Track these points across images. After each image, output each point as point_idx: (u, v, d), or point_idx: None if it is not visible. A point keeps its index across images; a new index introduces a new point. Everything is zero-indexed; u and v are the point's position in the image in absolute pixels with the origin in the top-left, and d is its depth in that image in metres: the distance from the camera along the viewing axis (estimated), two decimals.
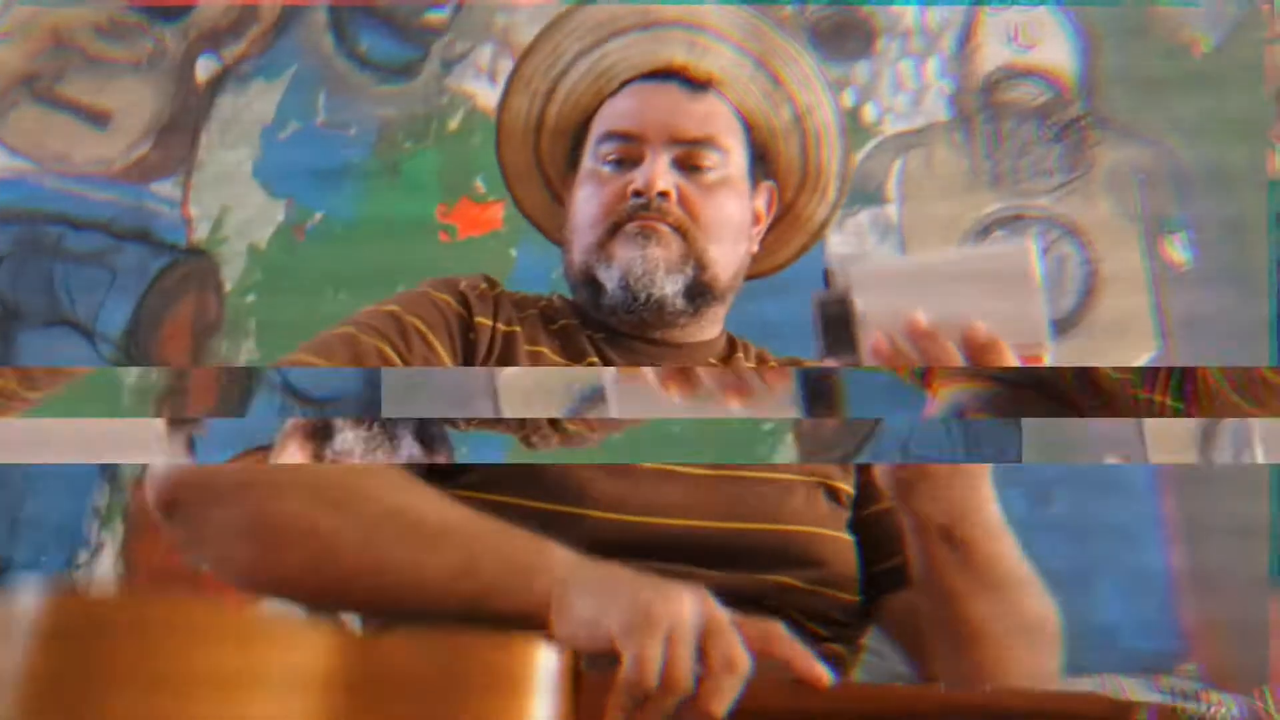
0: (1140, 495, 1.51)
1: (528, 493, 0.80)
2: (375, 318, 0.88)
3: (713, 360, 1.00)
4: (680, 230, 0.94)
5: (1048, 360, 0.69)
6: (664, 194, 0.93)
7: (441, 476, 0.80)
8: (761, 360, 1.04)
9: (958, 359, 0.67)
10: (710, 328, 1.01)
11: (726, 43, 0.99)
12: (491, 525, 0.70)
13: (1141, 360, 1.55)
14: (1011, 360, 0.67)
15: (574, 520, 0.79)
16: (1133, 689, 1.47)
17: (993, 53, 1.64)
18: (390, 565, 0.67)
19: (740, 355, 1.03)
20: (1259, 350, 1.52)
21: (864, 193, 1.60)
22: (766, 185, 1.03)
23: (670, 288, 0.93)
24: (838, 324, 0.69)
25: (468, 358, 0.90)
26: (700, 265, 0.95)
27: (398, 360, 0.84)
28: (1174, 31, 1.61)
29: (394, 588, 0.67)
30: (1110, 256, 1.58)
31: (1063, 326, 1.56)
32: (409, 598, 0.67)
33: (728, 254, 0.97)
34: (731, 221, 0.97)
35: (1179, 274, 1.56)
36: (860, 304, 0.69)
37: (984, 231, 1.61)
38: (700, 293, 0.95)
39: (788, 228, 1.08)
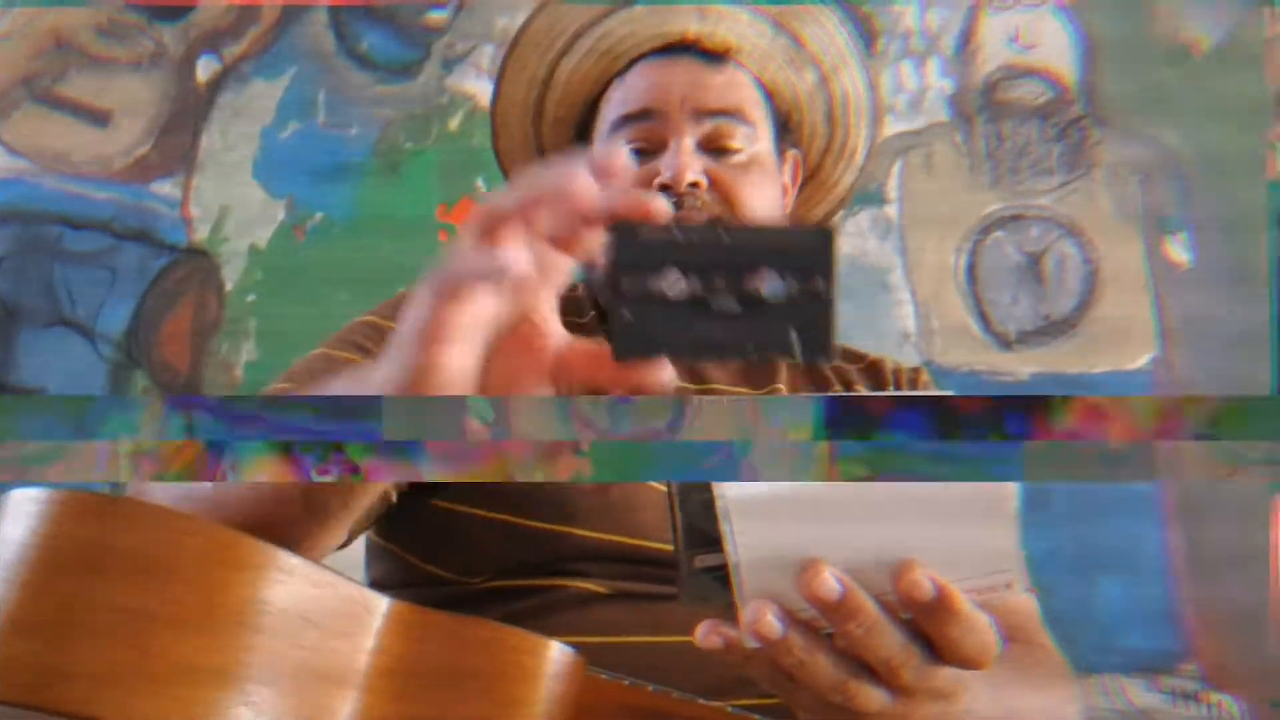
0: (1141, 496, 1.51)
1: (511, 508, 0.78)
2: (353, 331, 0.83)
3: None
4: None
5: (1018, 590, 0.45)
6: (695, 185, 0.84)
7: (420, 489, 0.78)
8: None
9: (891, 638, 0.44)
10: None
11: (741, 6, 0.89)
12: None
13: (1141, 360, 1.55)
14: (970, 617, 0.44)
15: (559, 537, 0.77)
16: (1133, 689, 1.46)
17: (993, 53, 1.64)
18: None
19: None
20: (1258, 351, 1.52)
21: (864, 193, 1.60)
22: (792, 155, 0.95)
23: None
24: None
25: None
26: None
27: None
28: (1175, 31, 1.60)
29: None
30: (1111, 256, 1.58)
31: (1062, 327, 1.56)
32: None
33: None
34: (765, 205, 0.89)
35: (1179, 274, 1.56)
36: (735, 542, 0.43)
37: (984, 231, 1.61)
38: None
39: (812, 194, 1.00)
